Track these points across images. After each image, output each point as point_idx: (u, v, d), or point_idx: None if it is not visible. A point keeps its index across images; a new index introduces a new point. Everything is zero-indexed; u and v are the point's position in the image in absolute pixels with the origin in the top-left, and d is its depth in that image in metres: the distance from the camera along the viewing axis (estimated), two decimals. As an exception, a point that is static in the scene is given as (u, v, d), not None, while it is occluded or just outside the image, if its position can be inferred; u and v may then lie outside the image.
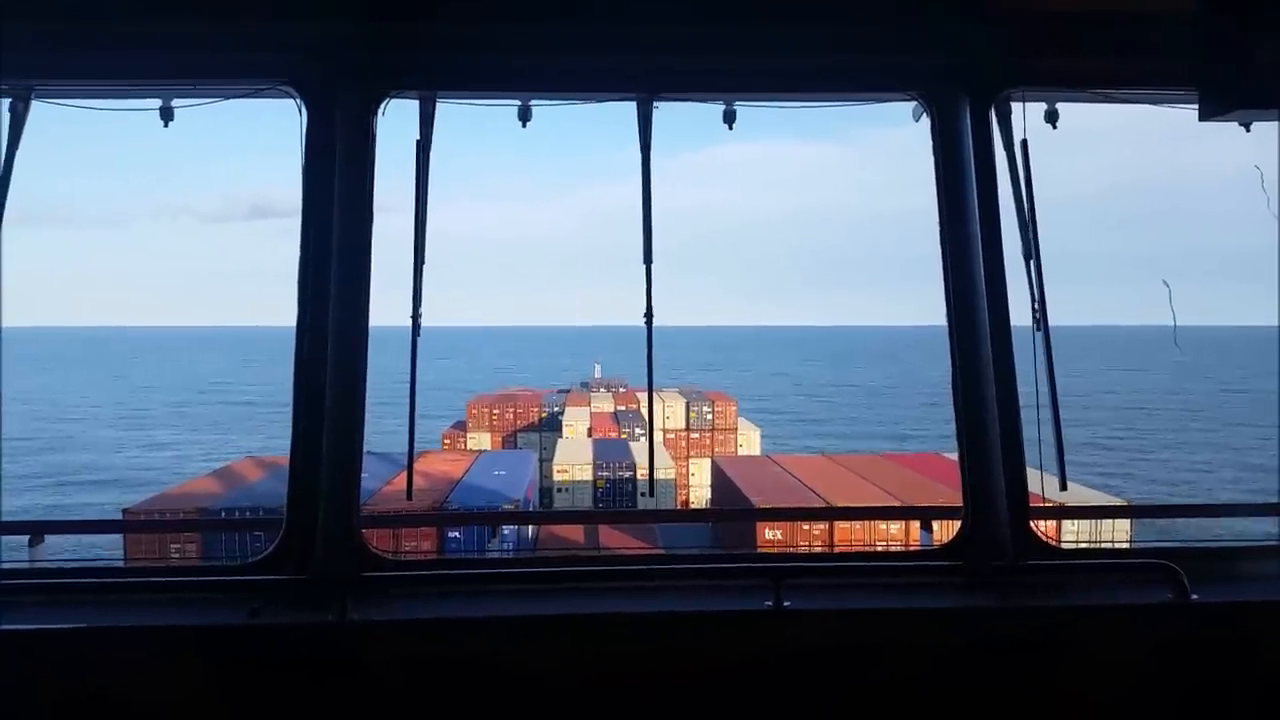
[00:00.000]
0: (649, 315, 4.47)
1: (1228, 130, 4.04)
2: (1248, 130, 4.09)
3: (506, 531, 21.64)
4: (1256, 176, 4.32)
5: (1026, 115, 4.36)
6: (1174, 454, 69.06)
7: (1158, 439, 75.88)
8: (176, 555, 19.76)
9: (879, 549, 20.67)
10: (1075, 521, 19.12)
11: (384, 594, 4.08)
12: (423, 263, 4.40)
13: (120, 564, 13.21)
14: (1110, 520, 20.76)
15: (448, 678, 3.82)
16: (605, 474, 34.42)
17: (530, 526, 23.33)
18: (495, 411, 46.01)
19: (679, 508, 36.36)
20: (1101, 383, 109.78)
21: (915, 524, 18.58)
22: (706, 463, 37.40)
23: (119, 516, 21.82)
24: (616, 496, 33.89)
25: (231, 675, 3.74)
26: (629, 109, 4.34)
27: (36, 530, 5.38)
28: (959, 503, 4.34)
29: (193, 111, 4.23)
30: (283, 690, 3.78)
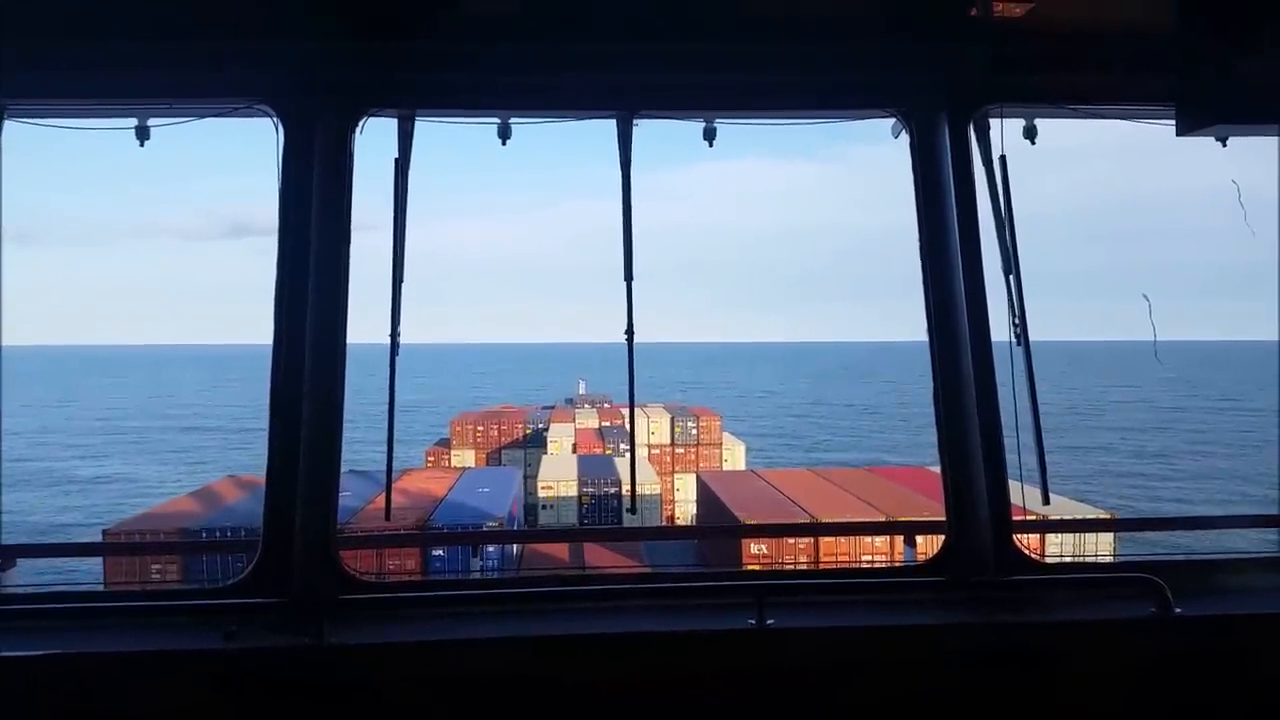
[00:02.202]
0: (630, 332, 4.48)
1: (1205, 146, 4.08)
2: (1224, 145, 4.12)
3: (490, 550, 21.51)
4: (1233, 191, 4.35)
5: (1005, 131, 4.39)
6: (1206, 483, 63.49)
7: (1179, 466, 71.26)
8: (158, 577, 19.52)
9: (864, 564, 20.65)
10: (1060, 536, 19.15)
11: (362, 616, 4.03)
12: (401, 281, 4.39)
13: (97, 587, 13.04)
14: (1094, 535, 20.82)
15: (427, 701, 3.77)
16: (590, 490, 34.25)
17: (515, 544, 23.21)
18: (479, 428, 45.71)
19: (665, 523, 36.29)
20: (1097, 401, 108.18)
21: (900, 539, 18.59)
22: (692, 478, 37.31)
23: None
24: (601, 512, 33.72)
25: (206, 700, 3.68)
26: (611, 125, 4.34)
27: (8, 554, 5.30)
28: (943, 517, 4.34)
29: (170, 130, 4.21)
30: (259, 715, 3.72)
